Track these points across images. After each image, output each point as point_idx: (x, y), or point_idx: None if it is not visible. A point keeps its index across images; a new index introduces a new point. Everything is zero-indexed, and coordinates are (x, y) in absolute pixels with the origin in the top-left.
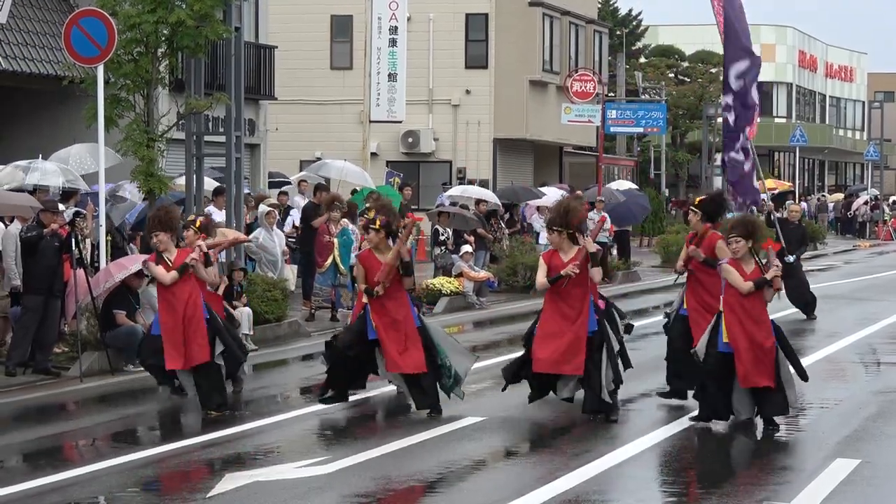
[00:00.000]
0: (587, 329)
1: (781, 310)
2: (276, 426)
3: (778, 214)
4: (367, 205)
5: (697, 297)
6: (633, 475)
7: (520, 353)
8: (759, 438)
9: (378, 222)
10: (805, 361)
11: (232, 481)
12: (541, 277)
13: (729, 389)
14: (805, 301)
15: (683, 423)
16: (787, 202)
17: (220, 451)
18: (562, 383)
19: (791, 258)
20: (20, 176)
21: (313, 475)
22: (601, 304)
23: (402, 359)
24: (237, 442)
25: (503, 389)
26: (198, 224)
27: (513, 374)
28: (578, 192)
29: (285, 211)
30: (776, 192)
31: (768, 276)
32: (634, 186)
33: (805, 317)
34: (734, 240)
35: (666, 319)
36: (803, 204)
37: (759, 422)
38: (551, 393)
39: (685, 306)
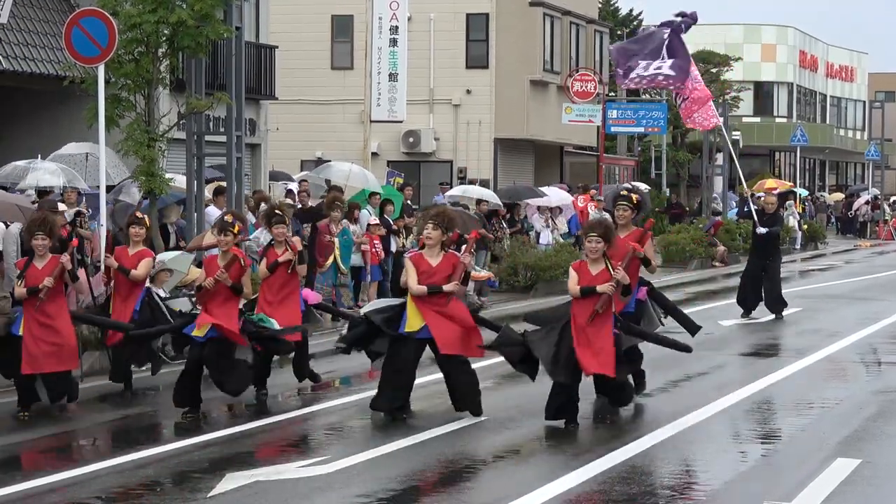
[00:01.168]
0: None
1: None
2: (277, 426)
3: (756, 207)
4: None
5: None
6: (634, 475)
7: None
8: (759, 439)
9: (237, 227)
10: (806, 361)
11: (233, 481)
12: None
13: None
14: (776, 301)
15: (683, 422)
16: (788, 202)
17: (221, 451)
18: None
19: (762, 230)
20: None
21: (314, 475)
22: None
23: None
24: (238, 442)
25: None
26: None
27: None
28: (592, 190)
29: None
30: (777, 191)
31: (600, 288)
32: (646, 187)
33: (774, 317)
34: (594, 239)
35: None
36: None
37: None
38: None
39: None
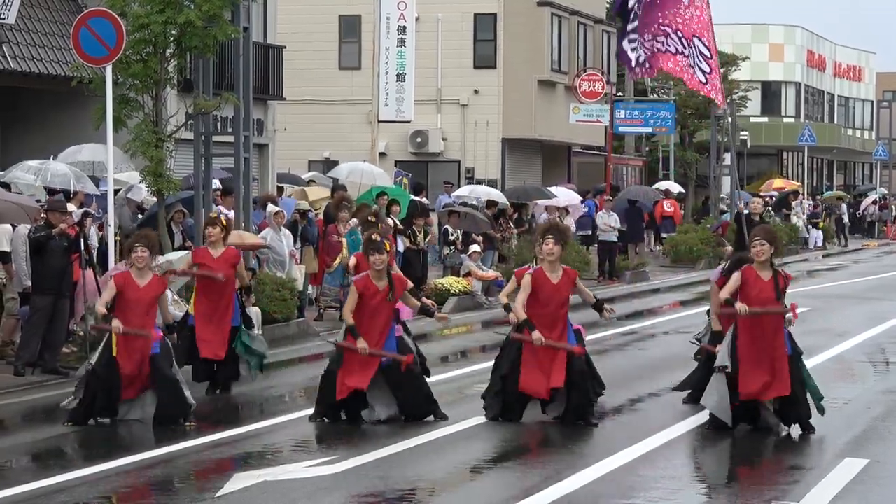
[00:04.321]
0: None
1: None
2: (285, 426)
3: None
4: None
5: None
6: (642, 475)
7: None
8: (768, 438)
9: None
10: (814, 361)
11: (240, 481)
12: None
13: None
14: None
15: (691, 422)
16: (795, 202)
17: (229, 451)
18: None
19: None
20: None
21: (321, 475)
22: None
23: None
24: (245, 442)
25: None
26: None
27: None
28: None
29: None
30: (785, 190)
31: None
32: (680, 188)
33: None
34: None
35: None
36: (807, 203)
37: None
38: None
39: None
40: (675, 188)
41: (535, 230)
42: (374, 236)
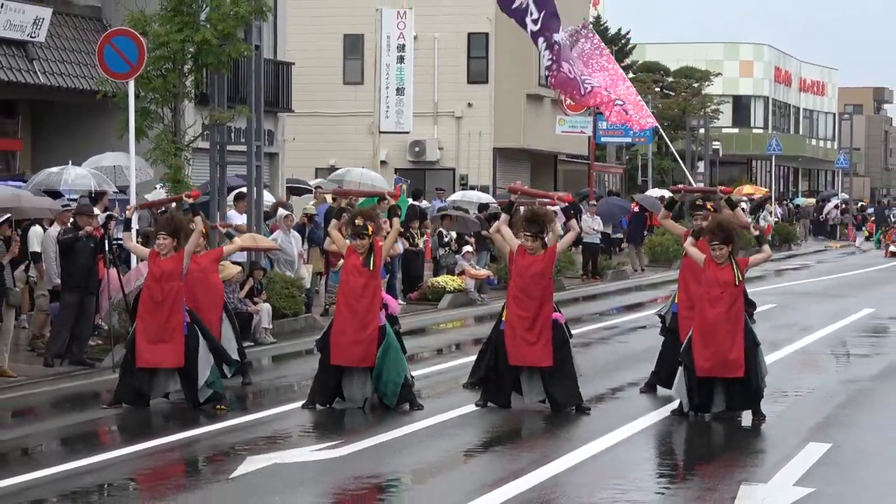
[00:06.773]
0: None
1: None
2: (294, 413)
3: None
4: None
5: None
6: (623, 458)
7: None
8: (737, 425)
9: (370, 228)
10: (781, 353)
11: (253, 463)
12: None
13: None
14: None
15: (667, 410)
16: (766, 204)
17: (242, 436)
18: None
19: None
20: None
21: (327, 458)
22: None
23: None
24: (257, 427)
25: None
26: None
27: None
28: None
29: None
30: (754, 197)
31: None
32: (670, 193)
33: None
34: (717, 247)
35: (660, 320)
36: (777, 208)
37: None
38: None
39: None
40: (667, 194)
41: (517, 220)
42: (357, 220)
